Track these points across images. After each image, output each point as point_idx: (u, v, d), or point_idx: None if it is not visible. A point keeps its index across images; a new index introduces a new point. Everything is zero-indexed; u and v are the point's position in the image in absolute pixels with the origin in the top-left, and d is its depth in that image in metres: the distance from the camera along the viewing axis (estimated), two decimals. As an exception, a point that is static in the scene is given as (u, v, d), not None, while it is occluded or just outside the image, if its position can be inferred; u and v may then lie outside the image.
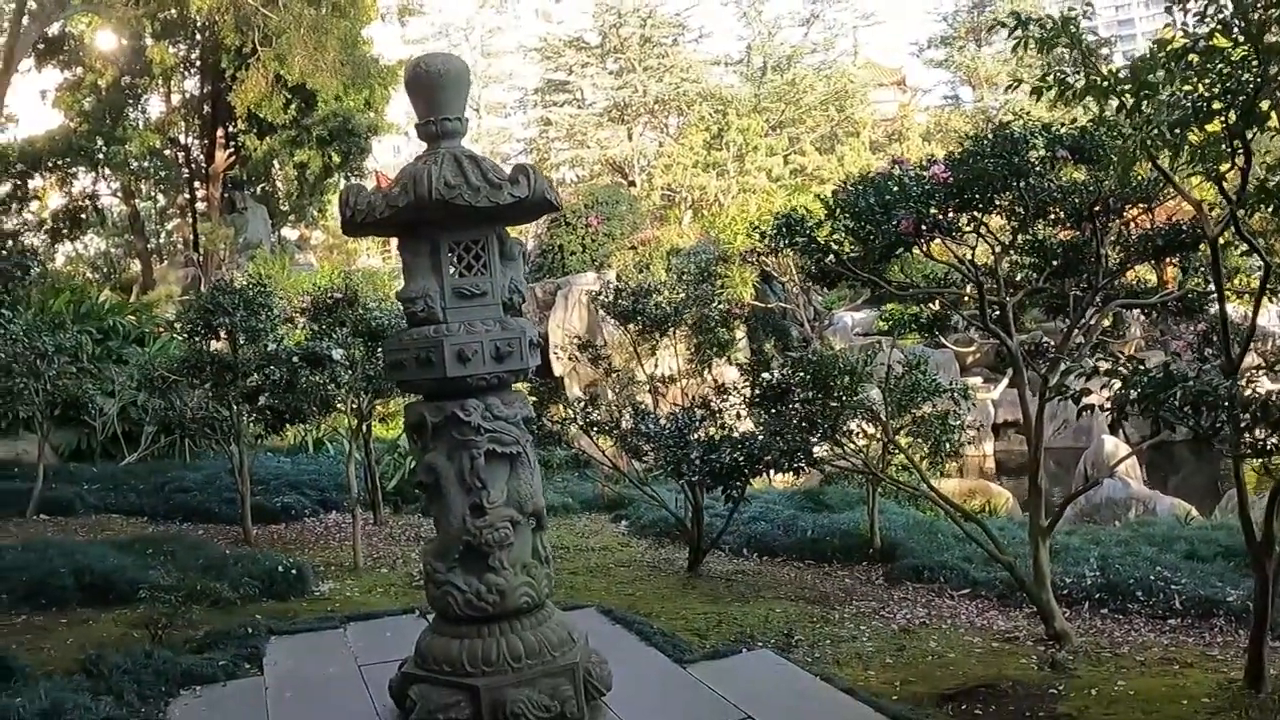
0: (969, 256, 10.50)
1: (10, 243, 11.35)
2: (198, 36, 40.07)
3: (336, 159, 39.94)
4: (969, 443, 14.51)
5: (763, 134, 56.45)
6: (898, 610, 11.01)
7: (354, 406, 15.34)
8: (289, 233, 48.34)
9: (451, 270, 7.33)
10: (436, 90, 7.33)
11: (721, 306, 15.43)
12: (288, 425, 15.31)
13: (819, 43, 73.58)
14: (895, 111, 70.16)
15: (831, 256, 10.92)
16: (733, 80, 71.30)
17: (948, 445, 12.91)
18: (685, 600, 11.54)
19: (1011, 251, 10.64)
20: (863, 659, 9.35)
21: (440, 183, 6.90)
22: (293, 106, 37.01)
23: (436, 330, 7.18)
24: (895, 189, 10.18)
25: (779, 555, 13.79)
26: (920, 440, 12.95)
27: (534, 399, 13.63)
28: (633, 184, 59.10)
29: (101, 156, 40.65)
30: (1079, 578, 11.40)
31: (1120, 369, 7.47)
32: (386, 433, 18.85)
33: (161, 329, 24.20)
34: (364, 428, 15.77)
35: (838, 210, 10.68)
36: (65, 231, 43.11)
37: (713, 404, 12.90)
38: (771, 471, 11.70)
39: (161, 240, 49.03)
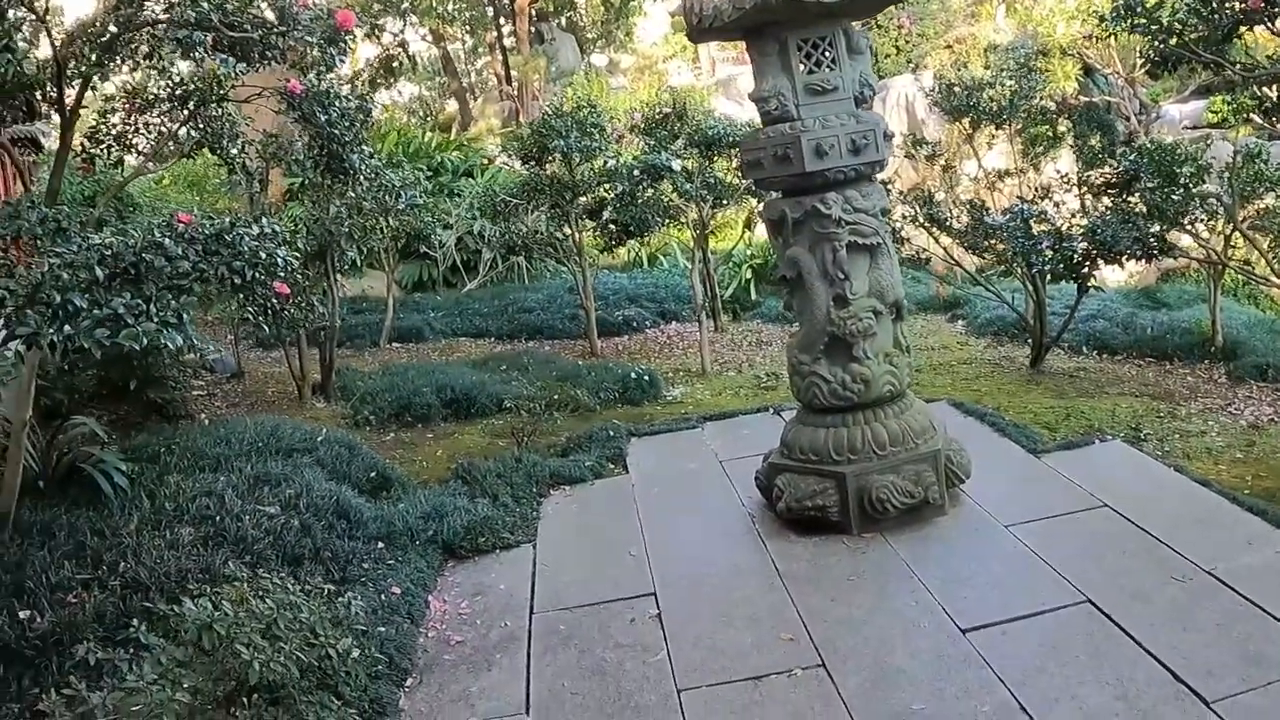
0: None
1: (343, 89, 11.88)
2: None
3: (642, -20, 39.87)
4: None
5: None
6: (1244, 408, 10.64)
7: (694, 218, 15.61)
8: (598, 59, 48.52)
9: (801, 67, 7.42)
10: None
11: (1046, 101, 14.80)
12: (629, 239, 15.66)
13: None
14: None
15: (1174, 38, 10.39)
16: None
17: (1297, 237, 12.21)
18: (1030, 395, 11.53)
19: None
20: (1212, 454, 9.14)
21: (785, -19, 6.95)
22: (595, -69, 36.96)
23: (792, 127, 7.33)
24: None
25: (1118, 353, 13.48)
26: (1265, 234, 12.29)
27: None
28: (938, -19, 56.41)
29: (407, 5, 41.70)
30: None
31: None
32: (717, 244, 19.11)
33: (488, 161, 24.89)
34: (703, 238, 16.04)
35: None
36: (380, 80, 44.56)
37: (1055, 195, 12.58)
38: (1124, 260, 11.41)
39: (473, 79, 50.19)
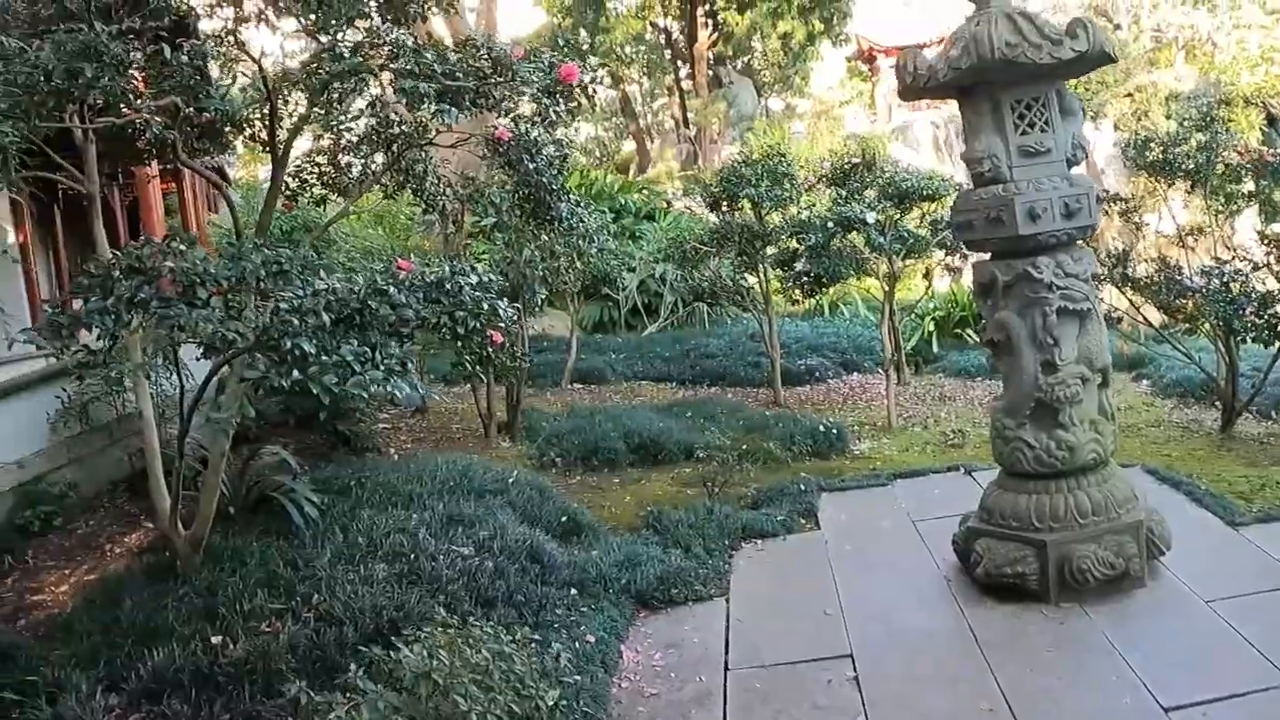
0: None
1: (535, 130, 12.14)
2: (672, -79, 40.97)
3: (819, 26, 39.99)
4: None
5: (1255, -39, 51.02)
6: None
7: (884, 271, 15.53)
8: (774, 103, 48.90)
9: (1014, 128, 7.39)
10: (980, -51, 7.37)
11: (1231, 154, 14.34)
12: (820, 289, 15.67)
13: None
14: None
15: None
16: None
17: None
18: (1221, 462, 11.18)
19: None
20: None
21: (1000, 42, 6.96)
22: (774, -22, 37.32)
23: (1005, 189, 7.29)
24: None
25: (1309, 419, 13.06)
26: None
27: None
28: (1118, 27, 55.13)
29: (587, 47, 42.52)
30: None
31: None
32: (898, 295, 19.08)
33: (667, 204, 25.12)
34: (892, 291, 15.95)
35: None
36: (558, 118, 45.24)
37: (1256, 257, 12.20)
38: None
39: (650, 121, 50.88)
